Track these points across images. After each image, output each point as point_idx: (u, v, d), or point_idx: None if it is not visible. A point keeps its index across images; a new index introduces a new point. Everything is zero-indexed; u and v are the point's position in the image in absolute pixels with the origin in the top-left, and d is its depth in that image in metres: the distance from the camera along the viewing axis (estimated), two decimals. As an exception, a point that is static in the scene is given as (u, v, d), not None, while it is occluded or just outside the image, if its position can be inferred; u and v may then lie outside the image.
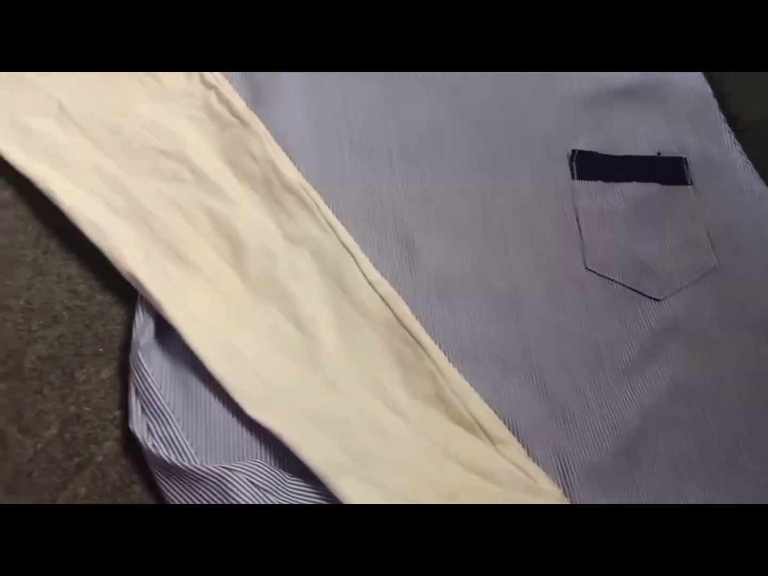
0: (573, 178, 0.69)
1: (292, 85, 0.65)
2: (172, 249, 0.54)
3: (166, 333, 0.52)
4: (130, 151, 0.56)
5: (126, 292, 0.52)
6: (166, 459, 0.46)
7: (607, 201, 0.68)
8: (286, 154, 0.61)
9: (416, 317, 0.57)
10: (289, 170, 0.59)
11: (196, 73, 0.61)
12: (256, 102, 0.63)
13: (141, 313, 0.51)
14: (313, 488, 0.48)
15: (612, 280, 0.65)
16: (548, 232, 0.66)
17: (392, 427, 0.53)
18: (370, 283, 0.57)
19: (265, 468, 0.48)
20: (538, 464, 0.53)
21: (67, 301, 0.52)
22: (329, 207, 0.60)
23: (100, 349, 0.51)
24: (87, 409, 0.49)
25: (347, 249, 0.57)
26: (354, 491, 0.49)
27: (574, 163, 0.70)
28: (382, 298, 0.56)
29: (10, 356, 0.49)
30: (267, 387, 0.52)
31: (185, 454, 0.47)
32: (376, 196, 0.62)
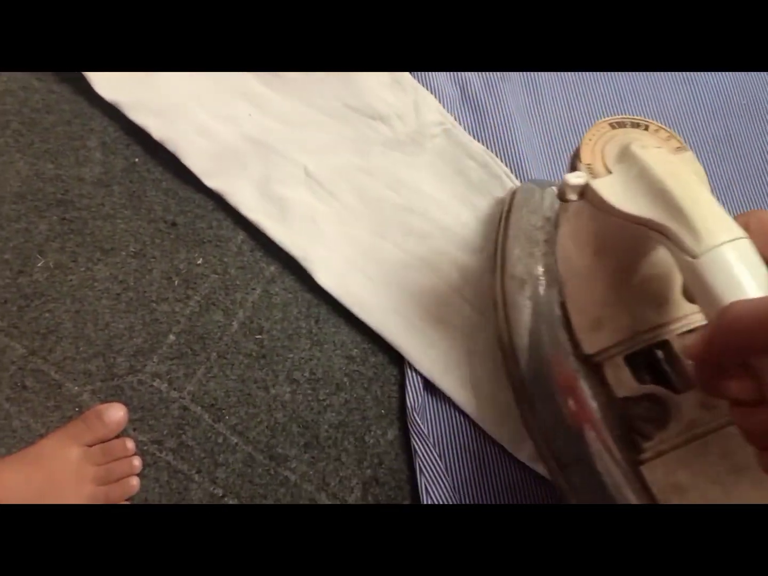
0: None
1: (511, 94, 0.63)
2: (430, 312, 0.55)
3: (438, 389, 0.54)
4: (378, 213, 0.57)
5: (395, 351, 0.54)
6: None
7: None
8: (523, 178, 0.60)
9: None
10: (533, 205, 0.58)
11: (424, 110, 0.60)
12: (478, 121, 0.61)
13: (410, 375, 0.53)
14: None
15: None
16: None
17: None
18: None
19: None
20: None
21: (345, 368, 0.55)
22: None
23: (382, 411, 0.54)
24: (382, 471, 0.52)
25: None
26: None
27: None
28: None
29: (306, 427, 0.53)
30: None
31: None
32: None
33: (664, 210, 0.36)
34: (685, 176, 0.37)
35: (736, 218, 0.35)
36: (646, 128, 0.42)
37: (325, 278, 0.56)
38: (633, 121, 0.42)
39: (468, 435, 0.53)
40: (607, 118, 0.42)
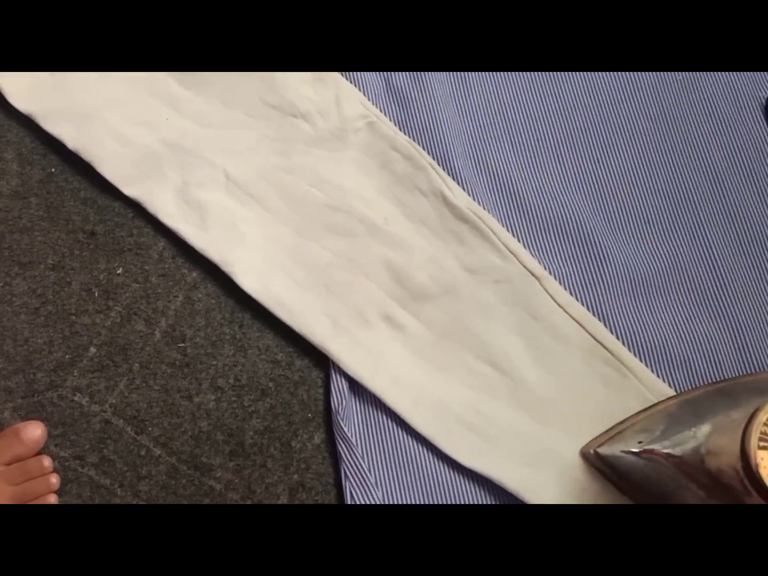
0: (769, 129, 0.61)
1: (437, 84, 0.61)
2: (358, 311, 0.54)
3: (363, 391, 0.53)
4: (301, 213, 0.56)
5: (321, 354, 0.53)
6: None
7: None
8: (449, 169, 0.58)
9: (615, 327, 0.55)
10: (460, 197, 0.56)
11: (346, 105, 0.59)
12: (404, 113, 0.60)
13: (335, 378, 0.53)
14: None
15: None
16: (751, 204, 0.59)
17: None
18: (561, 306, 0.54)
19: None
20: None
21: (270, 372, 0.54)
22: (503, 224, 0.57)
23: (309, 415, 0.53)
24: (309, 476, 0.52)
25: (532, 273, 0.55)
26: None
27: None
28: (576, 321, 0.54)
29: (231, 435, 0.52)
30: (478, 436, 0.51)
31: None
32: (551, 198, 0.58)
33: None
34: None
35: None
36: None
37: (248, 282, 0.55)
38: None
39: (395, 436, 0.52)
40: (750, 443, 0.38)
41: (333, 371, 0.53)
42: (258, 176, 0.57)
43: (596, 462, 0.49)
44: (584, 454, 0.50)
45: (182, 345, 0.54)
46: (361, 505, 0.49)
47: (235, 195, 0.57)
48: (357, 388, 0.53)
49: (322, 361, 0.54)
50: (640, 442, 0.46)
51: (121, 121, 0.58)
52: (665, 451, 0.44)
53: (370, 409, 0.53)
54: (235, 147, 0.59)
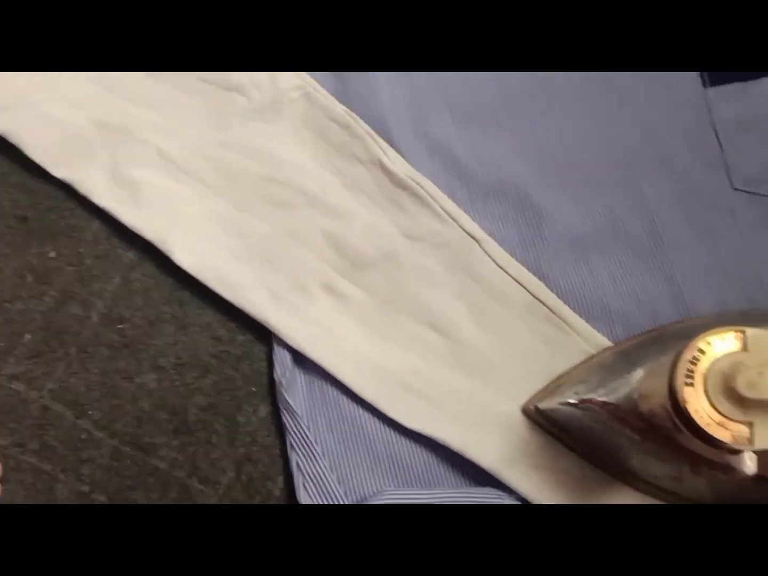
0: (704, 86, 0.61)
1: None
2: (298, 282, 0.53)
3: (307, 362, 0.52)
4: (238, 187, 0.55)
5: (264, 328, 0.53)
6: (313, 498, 0.48)
7: (748, 104, 0.60)
8: (388, 138, 0.58)
9: (555, 285, 0.55)
10: (398, 164, 0.56)
11: (280, 77, 0.58)
12: (340, 83, 0.59)
13: (277, 351, 0.52)
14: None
15: (766, 195, 0.58)
16: (684, 156, 0.59)
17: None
18: (501, 267, 0.54)
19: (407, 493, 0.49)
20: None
21: (212, 349, 0.53)
22: (442, 189, 0.57)
23: (253, 389, 0.52)
24: (255, 449, 0.51)
25: (472, 236, 0.54)
26: (527, 480, 0.49)
27: (703, 68, 0.62)
28: (516, 280, 0.54)
29: (175, 413, 0.52)
30: (422, 399, 0.51)
31: (332, 493, 0.49)
32: (490, 163, 0.58)
33: None
34: None
35: None
36: (708, 342, 0.38)
37: (185, 259, 0.54)
38: (692, 362, 0.38)
39: (340, 405, 0.52)
40: (677, 381, 0.38)
41: (275, 343, 0.53)
42: (193, 152, 0.57)
43: (537, 417, 0.49)
44: (525, 410, 0.51)
45: (121, 326, 0.53)
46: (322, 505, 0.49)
47: (169, 172, 0.56)
48: (300, 358, 0.52)
49: (264, 335, 0.53)
50: (576, 393, 0.47)
51: (49, 102, 0.56)
52: (600, 399, 0.45)
53: (315, 378, 0.52)
54: (168, 124, 0.57)
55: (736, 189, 0.58)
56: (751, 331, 0.38)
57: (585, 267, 0.56)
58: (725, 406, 0.37)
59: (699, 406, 0.37)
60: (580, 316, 0.54)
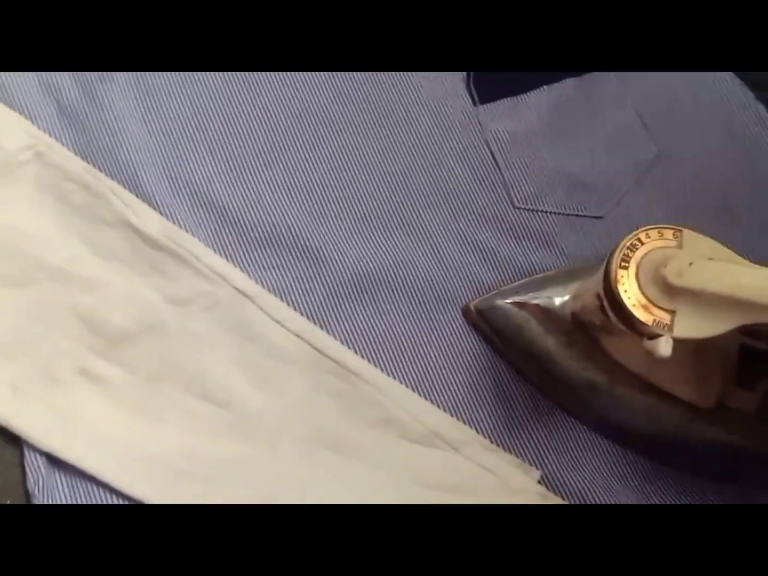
0: (475, 104, 0.60)
1: (115, 98, 0.54)
2: (46, 371, 0.46)
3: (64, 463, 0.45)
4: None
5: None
6: None
7: (519, 120, 0.60)
8: (141, 192, 0.52)
9: (341, 331, 0.51)
10: (151, 223, 0.50)
11: (6, 138, 0.50)
12: (81, 136, 0.53)
13: (28, 454, 0.45)
14: None
15: (547, 212, 0.57)
16: (462, 178, 0.58)
17: (349, 471, 0.48)
18: (279, 322, 0.50)
19: None
20: (505, 449, 0.50)
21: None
22: (210, 244, 0.52)
23: (8, 501, 0.45)
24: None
25: (243, 293, 0.50)
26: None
27: (472, 87, 0.60)
28: (296, 335, 0.50)
29: None
30: (197, 483, 0.46)
31: None
32: (260, 208, 0.54)
33: (750, 311, 0.37)
34: (729, 277, 0.38)
35: None
36: (648, 235, 0.41)
37: None
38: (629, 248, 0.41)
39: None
40: (612, 263, 0.41)
41: (25, 447, 0.45)
42: None
43: (475, 318, 0.52)
44: (464, 311, 0.53)
45: None
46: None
47: None
48: (57, 459, 0.46)
49: (15, 438, 0.46)
50: (516, 293, 0.50)
51: None
52: (535, 302, 0.49)
53: (76, 480, 0.45)
54: None
55: (517, 208, 0.57)
56: (687, 231, 0.41)
57: (372, 306, 0.53)
58: (653, 292, 0.39)
59: (629, 287, 0.40)
60: (372, 359, 0.51)
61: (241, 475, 0.47)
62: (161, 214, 0.51)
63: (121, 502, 0.45)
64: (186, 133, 0.55)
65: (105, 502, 0.45)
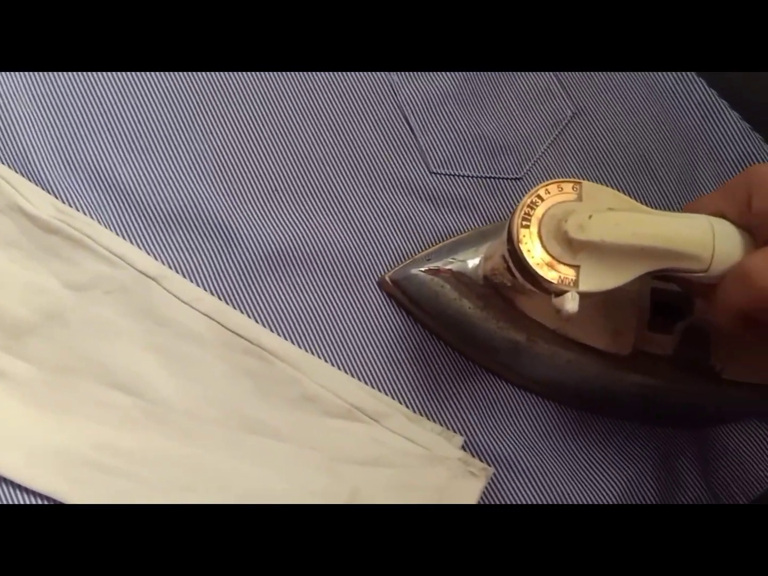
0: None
1: (11, 87, 0.51)
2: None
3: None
4: None
5: None
6: None
7: (433, 83, 0.58)
8: (34, 174, 0.49)
9: (257, 310, 0.50)
10: (42, 206, 0.47)
11: None
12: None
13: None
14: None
15: (465, 176, 0.56)
16: (378, 145, 0.56)
17: (269, 454, 0.46)
18: (187, 303, 0.48)
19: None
20: (429, 418, 0.50)
21: None
22: (112, 225, 0.50)
23: None
24: None
25: (147, 275, 0.48)
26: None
27: (386, 52, 0.59)
28: (207, 315, 0.48)
29: None
30: (117, 477, 0.44)
31: None
32: (165, 188, 0.51)
33: (652, 258, 0.38)
34: (627, 225, 0.38)
35: (735, 178, 0.39)
36: (548, 191, 0.40)
37: None
38: (530, 206, 0.40)
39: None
40: (513, 223, 0.40)
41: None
42: None
43: (391, 289, 0.51)
44: (381, 282, 0.52)
45: None
46: None
47: None
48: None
49: None
50: (428, 260, 0.50)
51: None
52: (448, 267, 0.48)
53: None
54: None
55: (434, 173, 0.56)
56: (586, 183, 0.40)
57: (286, 283, 0.51)
58: (556, 249, 0.38)
59: (532, 246, 0.39)
60: (289, 337, 0.50)
61: (168, 468, 0.45)
62: (56, 197, 0.49)
63: (39, 503, 0.43)
64: (82, 111, 0.52)
65: (20, 503, 0.43)
